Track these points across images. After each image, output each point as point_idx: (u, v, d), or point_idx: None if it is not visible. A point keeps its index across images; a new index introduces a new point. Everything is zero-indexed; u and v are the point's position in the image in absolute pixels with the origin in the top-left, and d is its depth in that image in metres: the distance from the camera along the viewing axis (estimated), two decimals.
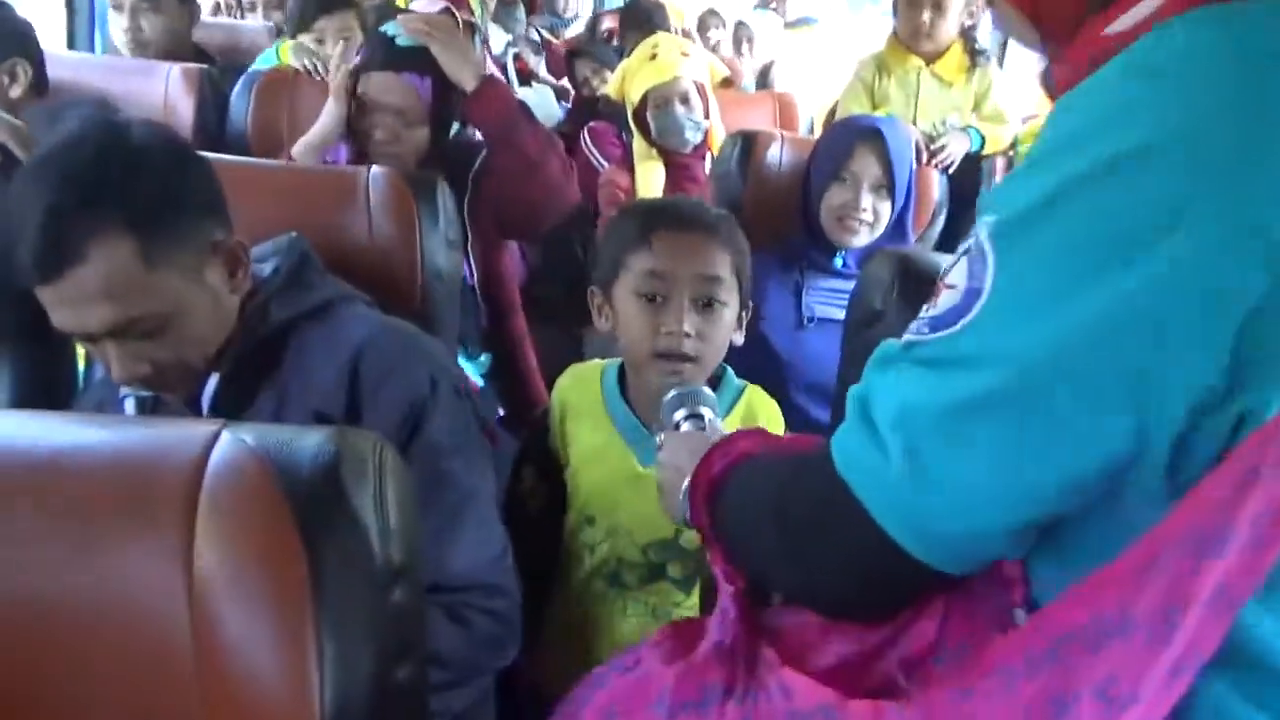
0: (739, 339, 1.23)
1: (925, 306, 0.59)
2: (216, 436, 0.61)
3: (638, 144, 2.46)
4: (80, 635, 0.56)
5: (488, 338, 1.86)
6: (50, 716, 0.57)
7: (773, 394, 1.83)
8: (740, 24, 4.04)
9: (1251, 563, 0.48)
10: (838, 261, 1.86)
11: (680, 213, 1.17)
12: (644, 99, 2.38)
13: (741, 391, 1.25)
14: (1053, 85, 0.63)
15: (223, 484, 0.58)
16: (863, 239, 1.81)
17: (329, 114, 1.70)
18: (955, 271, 0.57)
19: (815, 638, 0.69)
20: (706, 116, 2.42)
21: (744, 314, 1.22)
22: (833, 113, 2.81)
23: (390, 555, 0.60)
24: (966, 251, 0.56)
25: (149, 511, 0.57)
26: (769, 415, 1.25)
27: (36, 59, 1.79)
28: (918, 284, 1.28)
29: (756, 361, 1.84)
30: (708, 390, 1.03)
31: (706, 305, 1.15)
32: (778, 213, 2.10)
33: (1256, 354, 0.48)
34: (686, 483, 0.80)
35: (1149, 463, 0.51)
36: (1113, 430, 0.51)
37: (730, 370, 1.26)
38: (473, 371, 1.81)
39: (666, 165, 2.43)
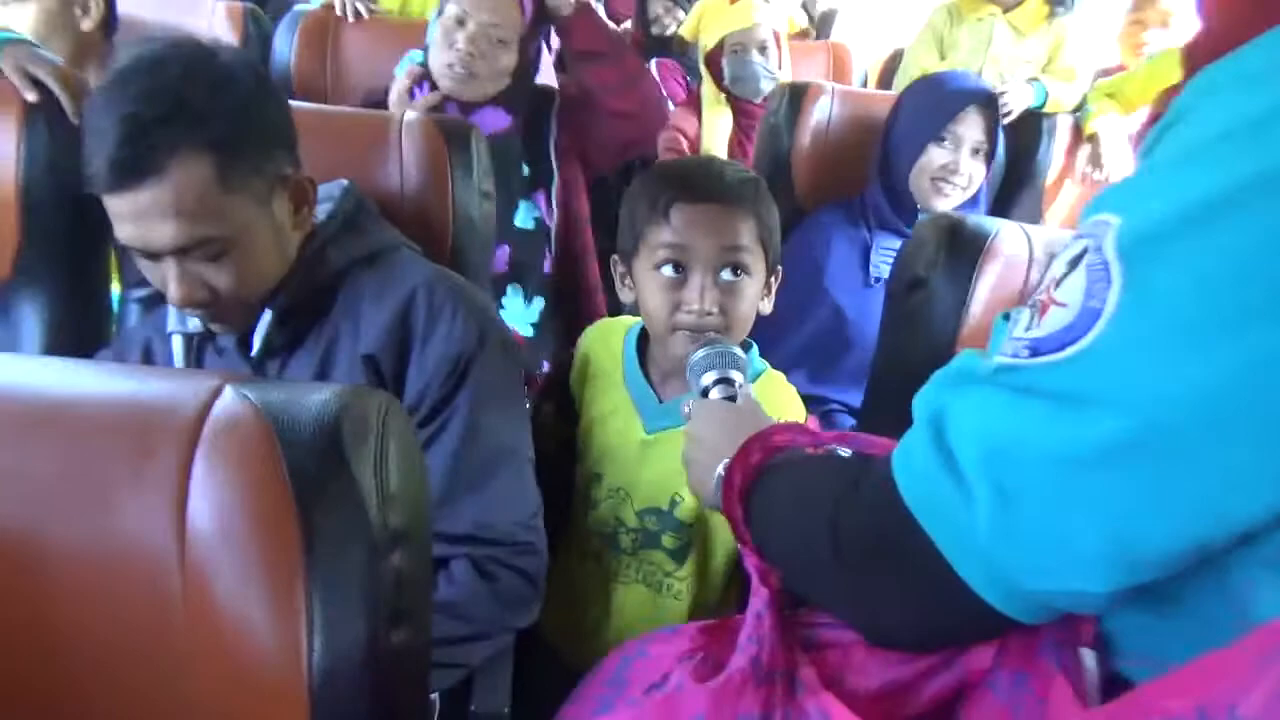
0: (766, 307, 1.18)
1: (1023, 322, 0.50)
2: (219, 390, 0.60)
3: (707, 89, 2.41)
4: (74, 574, 0.56)
5: (554, 284, 1.85)
6: (41, 650, 0.57)
7: (836, 354, 1.81)
8: None
9: None
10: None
11: (699, 182, 1.11)
12: (719, 44, 2.33)
13: (759, 376, 1.19)
14: (1193, 62, 0.51)
15: (221, 437, 0.57)
16: (954, 202, 1.75)
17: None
18: (1068, 286, 0.47)
19: (861, 658, 0.64)
20: (780, 67, 2.35)
21: (773, 280, 1.17)
22: (892, 61, 2.72)
23: (388, 519, 0.59)
24: (1080, 260, 0.47)
25: (146, 460, 0.56)
26: (785, 404, 1.19)
27: None
28: (964, 250, 1.22)
29: (822, 320, 1.81)
30: (739, 350, 0.99)
31: (730, 277, 1.10)
32: (828, 169, 2.04)
33: None
34: (721, 468, 0.75)
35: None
36: (1261, 495, 0.43)
37: (755, 350, 1.20)
38: (523, 320, 1.80)
39: (735, 113, 2.38)
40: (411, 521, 0.62)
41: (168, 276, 0.98)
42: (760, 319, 1.16)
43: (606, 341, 1.26)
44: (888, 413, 1.15)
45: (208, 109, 0.94)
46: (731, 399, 0.93)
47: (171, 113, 0.93)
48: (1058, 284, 0.48)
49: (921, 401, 0.54)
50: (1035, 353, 0.47)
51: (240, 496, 0.55)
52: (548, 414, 1.31)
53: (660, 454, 1.15)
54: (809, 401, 1.83)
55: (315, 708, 0.54)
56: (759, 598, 0.68)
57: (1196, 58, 0.50)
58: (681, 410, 0.96)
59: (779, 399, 1.18)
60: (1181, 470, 0.43)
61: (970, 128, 1.71)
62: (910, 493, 0.52)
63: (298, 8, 2.14)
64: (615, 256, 1.20)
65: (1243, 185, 0.42)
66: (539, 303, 1.84)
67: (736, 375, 0.95)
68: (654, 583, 1.20)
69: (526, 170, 1.81)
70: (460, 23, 1.66)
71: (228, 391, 0.59)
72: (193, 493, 0.55)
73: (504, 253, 1.78)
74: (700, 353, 0.98)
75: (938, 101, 1.76)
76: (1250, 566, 0.46)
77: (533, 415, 1.32)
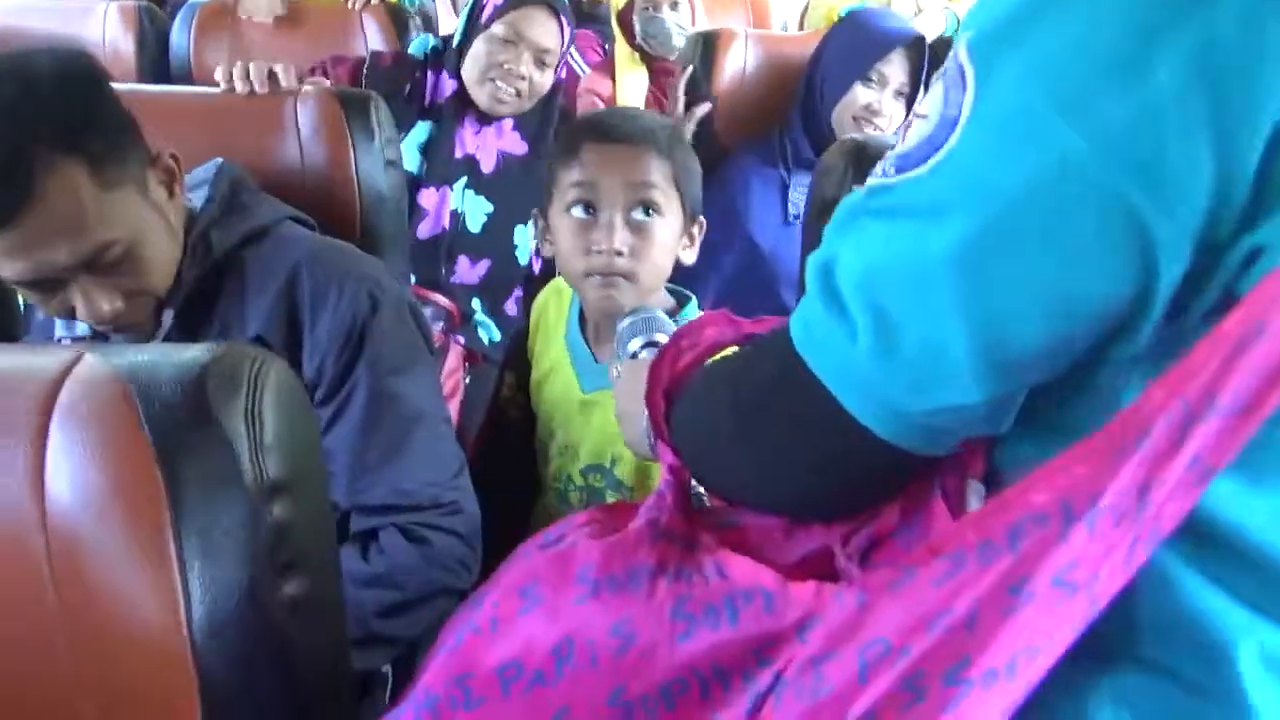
0: (689, 257, 1.16)
1: (895, 143, 0.50)
2: (78, 359, 0.58)
3: (621, 49, 2.40)
4: None
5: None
6: None
7: (758, 293, 1.81)
8: None
9: (1234, 428, 0.42)
10: None
11: (610, 124, 1.11)
12: (630, 2, 2.31)
13: None
14: None
15: (78, 405, 0.55)
16: None
17: None
18: (930, 99, 0.47)
19: (779, 537, 0.63)
20: (693, 24, 2.34)
21: (695, 230, 1.16)
22: (805, 10, 2.71)
23: (265, 470, 0.58)
24: (943, 74, 0.47)
25: (2, 434, 0.54)
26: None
27: None
28: (871, 170, 1.22)
29: (742, 259, 1.82)
30: (664, 315, 0.98)
31: (642, 216, 1.08)
32: (747, 110, 2.04)
33: None
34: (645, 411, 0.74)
35: (1144, 317, 0.45)
36: (1113, 276, 0.43)
37: (694, 303, 1.17)
38: (494, 327, 1.79)
39: (651, 72, 2.36)
40: (295, 471, 0.60)
41: (72, 299, 0.95)
42: (679, 263, 1.16)
43: (555, 300, 1.25)
44: None
45: (60, 117, 0.90)
46: None
47: (28, 135, 0.88)
48: (921, 100, 0.49)
49: (813, 258, 0.53)
50: (901, 169, 0.47)
51: (99, 459, 0.54)
52: (510, 385, 1.30)
53: (599, 413, 1.15)
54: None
55: (200, 664, 0.53)
56: (664, 481, 0.68)
57: None
58: (610, 374, 0.95)
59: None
60: (1029, 260, 0.44)
61: (896, 69, 1.72)
62: (800, 339, 0.52)
63: (192, 2, 2.09)
64: (536, 211, 1.19)
65: None
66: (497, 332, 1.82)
67: (661, 338, 0.93)
68: None
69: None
70: (510, 43, 1.66)
71: (87, 358, 0.58)
72: (49, 462, 0.54)
73: (484, 266, 1.77)
74: (626, 321, 0.97)
75: (866, 41, 1.76)
76: (1121, 377, 0.47)
77: (496, 388, 1.32)
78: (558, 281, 1.27)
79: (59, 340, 1.08)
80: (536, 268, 1.81)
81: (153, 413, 0.55)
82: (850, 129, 1.74)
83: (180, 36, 1.97)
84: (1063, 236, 0.43)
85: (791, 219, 1.79)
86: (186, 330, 1.05)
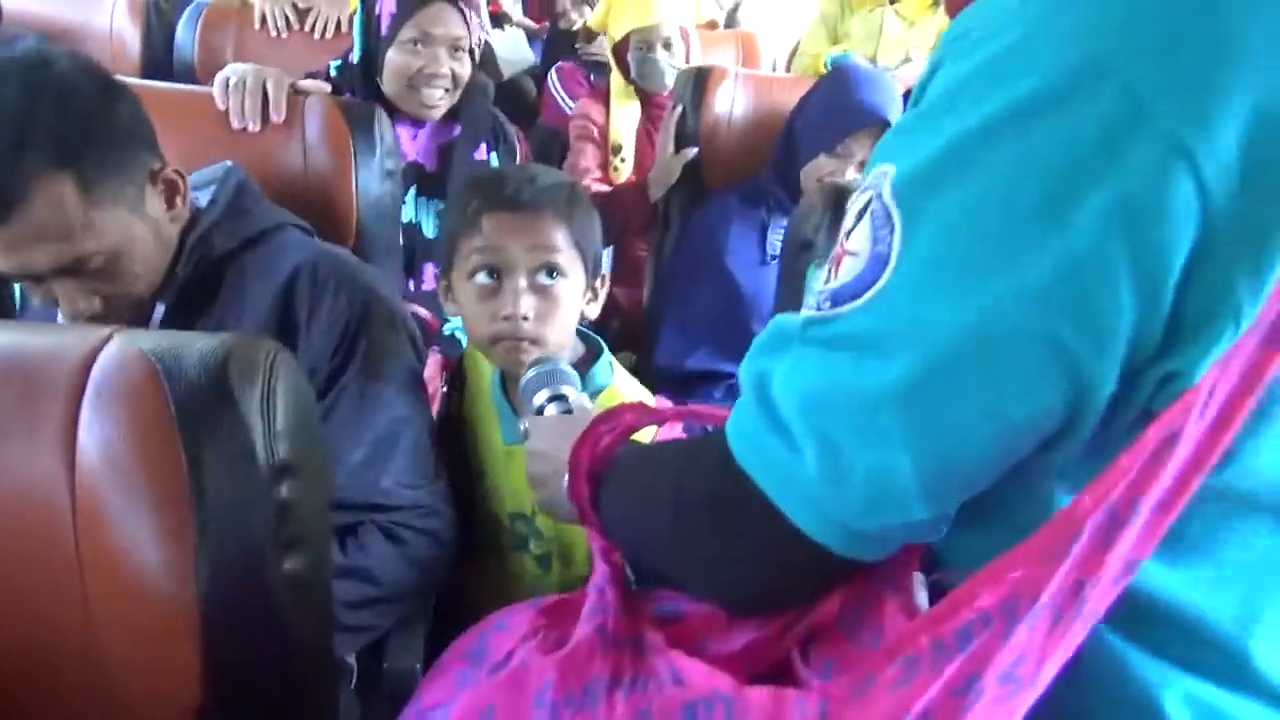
0: (593, 311, 1.17)
1: (824, 276, 0.52)
2: (108, 339, 0.63)
3: (615, 80, 2.44)
4: None
5: None
6: None
7: (736, 330, 1.86)
8: None
9: (1153, 525, 0.45)
10: None
11: (508, 189, 1.10)
12: (626, 38, 2.36)
13: (600, 392, 1.15)
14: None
15: (108, 382, 0.60)
16: None
17: None
18: (857, 236, 0.49)
19: (722, 624, 0.65)
20: (687, 61, 2.40)
21: (598, 285, 1.17)
22: (794, 51, 2.80)
23: (276, 453, 0.63)
24: (867, 210, 0.49)
25: (37, 404, 0.59)
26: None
27: None
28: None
29: (721, 297, 1.87)
30: (568, 367, 0.99)
31: (546, 280, 1.10)
32: (733, 150, 2.11)
33: (1194, 308, 0.44)
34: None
35: (1074, 434, 0.48)
36: (1045, 405, 0.46)
37: (605, 357, 1.18)
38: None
39: (643, 104, 2.43)
40: (301, 455, 0.65)
41: (54, 296, 0.98)
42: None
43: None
44: None
45: (56, 126, 0.91)
46: (568, 413, 0.93)
47: (20, 138, 0.89)
48: (849, 235, 0.50)
49: (746, 369, 0.55)
50: (835, 303, 0.50)
51: (127, 433, 0.58)
52: (455, 401, 1.32)
53: (519, 464, 1.11)
54: (712, 377, 1.90)
55: (205, 627, 0.58)
56: (600, 574, 0.69)
57: (953, 5, 0.55)
58: (519, 430, 0.95)
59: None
60: (969, 393, 0.46)
61: (861, 146, 1.74)
62: (742, 453, 0.54)
63: (200, 0, 2.13)
64: (437, 272, 1.21)
65: (982, 127, 0.45)
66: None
67: (568, 390, 0.95)
68: (530, 586, 1.22)
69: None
70: (420, 43, 1.66)
71: (115, 339, 0.62)
72: (81, 431, 0.58)
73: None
74: (530, 373, 0.98)
75: (840, 111, 1.79)
76: (1052, 481, 0.51)
77: (444, 404, 1.34)
78: None
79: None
80: None
81: (179, 391, 0.59)
82: (813, 189, 1.77)
83: (186, 33, 2.01)
84: (999, 372, 0.46)
85: (769, 259, 1.85)
86: (179, 324, 1.07)
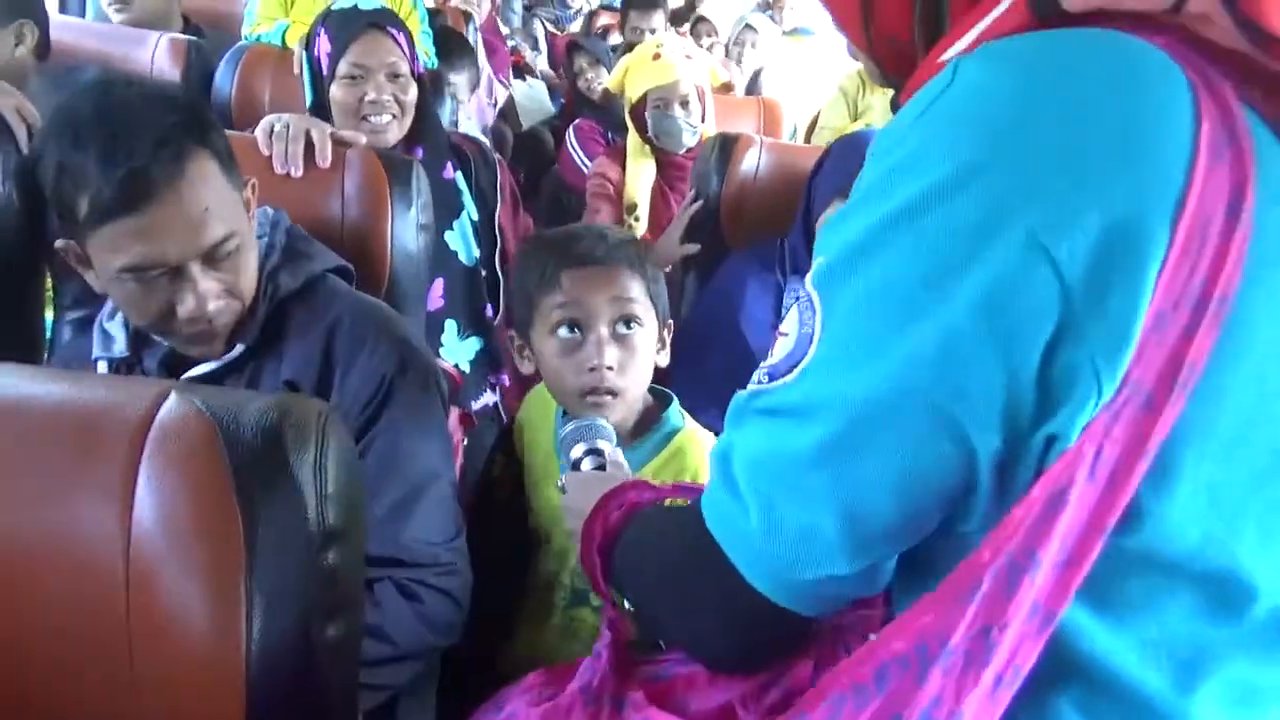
0: (664, 359, 1.22)
1: (769, 354, 0.60)
2: (166, 395, 0.63)
3: (632, 140, 2.48)
4: (17, 574, 0.58)
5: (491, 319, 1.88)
6: None
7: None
8: (747, 26, 4.03)
9: (1064, 579, 0.50)
10: None
11: (584, 247, 1.16)
12: (643, 98, 2.40)
13: (675, 434, 1.21)
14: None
15: (168, 440, 0.60)
16: None
17: None
18: (789, 319, 0.57)
19: (704, 683, 0.71)
20: (704, 120, 2.44)
21: (665, 334, 1.22)
22: (815, 122, 2.84)
23: (326, 518, 0.63)
24: (797, 299, 0.57)
25: (94, 461, 0.59)
26: (699, 464, 1.19)
27: (43, 22, 1.82)
28: None
29: (734, 359, 1.88)
30: (604, 422, 1.04)
31: (625, 330, 1.14)
32: (754, 215, 2.14)
33: (1058, 378, 0.49)
34: None
35: (979, 490, 0.53)
36: (942, 466, 0.52)
37: (674, 407, 1.23)
38: (463, 354, 1.83)
39: (659, 164, 2.46)
40: (347, 521, 0.65)
41: (180, 291, 0.99)
42: (677, 357, 1.21)
43: (544, 407, 1.29)
44: None
45: (188, 109, 0.98)
46: (601, 468, 0.97)
47: (168, 117, 0.95)
48: (783, 320, 0.58)
49: (715, 446, 0.62)
50: (772, 377, 0.57)
51: (185, 495, 0.58)
52: (500, 464, 1.33)
53: None
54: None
55: (251, 693, 0.57)
56: (602, 640, 0.75)
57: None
58: (557, 485, 0.98)
59: (696, 455, 1.20)
60: (878, 457, 0.52)
61: None
62: (709, 516, 0.60)
63: (240, 44, 2.17)
64: (511, 332, 1.24)
65: (879, 224, 0.52)
66: (475, 340, 1.87)
67: (604, 445, 0.99)
68: (581, 643, 1.21)
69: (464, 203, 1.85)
70: (360, 78, 1.69)
71: (174, 396, 0.63)
72: (139, 492, 0.58)
73: (439, 286, 1.82)
74: (569, 427, 1.02)
75: (850, 159, 1.85)
76: (970, 540, 0.54)
77: (487, 465, 1.36)
78: (541, 390, 1.30)
79: (95, 360, 1.11)
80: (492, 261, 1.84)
81: (236, 454, 0.60)
82: None
83: (224, 76, 2.04)
84: (899, 435, 0.52)
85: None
86: (247, 366, 1.09)
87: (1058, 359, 0.49)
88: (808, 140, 2.93)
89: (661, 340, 1.22)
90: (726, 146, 2.13)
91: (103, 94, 0.96)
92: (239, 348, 1.08)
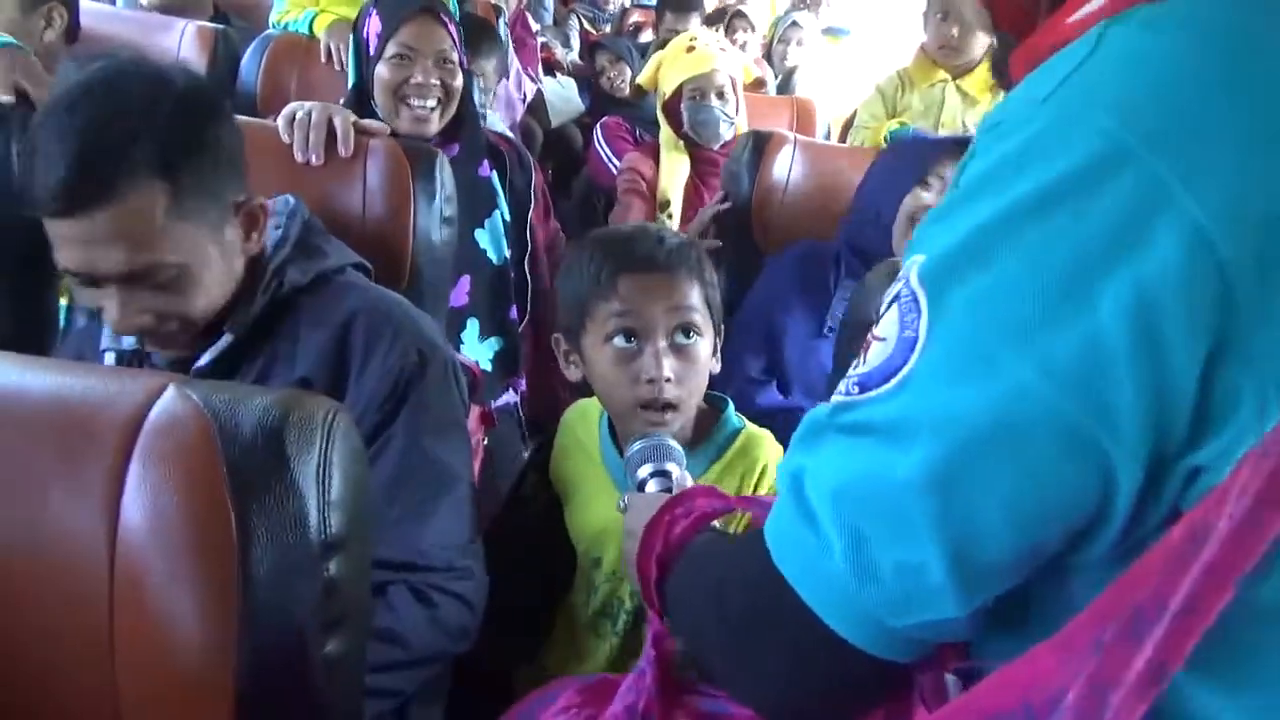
0: (716, 367, 1.16)
1: (854, 362, 0.52)
2: (162, 389, 0.59)
3: (665, 135, 2.44)
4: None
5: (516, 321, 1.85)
6: None
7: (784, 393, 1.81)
8: (794, 24, 3.97)
9: (1184, 632, 0.43)
10: None
11: (641, 251, 1.10)
12: (678, 90, 2.36)
13: (737, 434, 1.16)
14: (1006, 77, 0.57)
15: (160, 436, 0.56)
16: None
17: None
18: (885, 321, 0.49)
19: None
20: (738, 113, 2.40)
21: (718, 341, 1.15)
22: (849, 121, 2.79)
23: (329, 526, 0.59)
24: (897, 298, 0.49)
25: (83, 456, 0.55)
26: (769, 459, 1.14)
27: (72, 5, 1.82)
28: None
29: (767, 364, 1.82)
30: (675, 444, 0.98)
31: (684, 340, 1.08)
32: (786, 215, 2.09)
33: (1219, 399, 0.44)
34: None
35: (1106, 526, 0.46)
36: (1072, 494, 0.45)
37: (731, 408, 1.18)
38: (483, 354, 1.80)
39: (693, 159, 2.42)
40: (352, 530, 0.61)
41: (109, 303, 0.96)
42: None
43: (584, 421, 1.24)
44: None
45: (165, 135, 0.92)
46: (668, 491, 0.91)
47: (128, 138, 0.90)
48: (878, 321, 0.50)
49: (783, 466, 0.54)
50: (864, 388, 0.49)
51: (176, 495, 0.55)
52: (533, 484, 1.29)
53: None
54: None
55: (241, 710, 0.53)
56: (646, 658, 0.69)
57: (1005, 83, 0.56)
58: (619, 505, 0.93)
59: (761, 455, 1.15)
60: (999, 484, 0.45)
61: (950, 170, 1.74)
62: (776, 549, 0.53)
63: (268, 32, 2.15)
64: (557, 335, 1.18)
65: (1006, 213, 0.46)
66: (496, 341, 1.83)
67: (673, 467, 0.94)
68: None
69: (500, 201, 1.82)
70: (407, 59, 1.66)
71: (170, 390, 0.59)
72: (128, 489, 0.55)
73: (464, 283, 1.79)
74: (636, 445, 0.97)
75: (919, 149, 1.78)
76: (1085, 579, 0.48)
77: (517, 485, 1.31)
78: (583, 405, 1.26)
79: (103, 352, 1.09)
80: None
81: (232, 454, 0.56)
82: (909, 233, 1.73)
83: (250, 65, 2.02)
84: (1025, 459, 0.45)
85: (827, 330, 1.80)
86: (232, 359, 1.05)
87: (1219, 376, 0.43)
88: (843, 140, 2.87)
89: (714, 347, 1.15)
90: (759, 145, 2.08)
91: (87, 95, 0.92)
92: (226, 337, 1.04)
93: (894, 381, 0.47)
